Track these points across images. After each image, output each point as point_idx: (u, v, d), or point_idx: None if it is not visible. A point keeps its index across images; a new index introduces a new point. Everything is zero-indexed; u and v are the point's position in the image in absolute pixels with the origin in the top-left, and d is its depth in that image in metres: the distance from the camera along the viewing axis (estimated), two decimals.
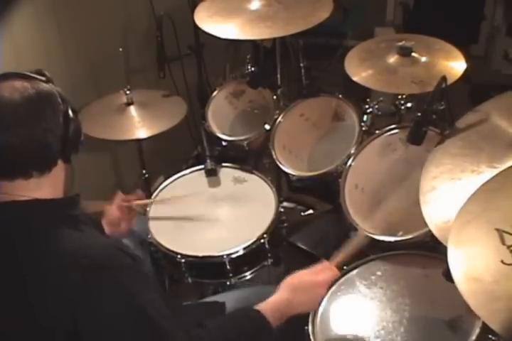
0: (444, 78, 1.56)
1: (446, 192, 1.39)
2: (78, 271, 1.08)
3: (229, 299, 1.63)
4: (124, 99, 2.18)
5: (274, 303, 1.35)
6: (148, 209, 1.93)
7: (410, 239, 1.60)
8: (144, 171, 2.36)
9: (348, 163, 1.85)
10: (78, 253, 1.10)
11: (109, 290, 1.09)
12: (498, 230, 1.04)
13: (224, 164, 2.09)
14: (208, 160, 2.07)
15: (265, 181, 1.99)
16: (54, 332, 1.10)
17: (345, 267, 1.57)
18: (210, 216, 1.89)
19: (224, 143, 2.20)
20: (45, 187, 1.17)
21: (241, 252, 1.75)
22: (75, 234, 1.15)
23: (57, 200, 1.20)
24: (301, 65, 2.55)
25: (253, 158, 2.30)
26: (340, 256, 1.48)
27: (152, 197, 2.01)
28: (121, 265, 1.13)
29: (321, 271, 1.42)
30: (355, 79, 1.89)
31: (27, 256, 1.12)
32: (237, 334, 1.29)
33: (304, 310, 1.41)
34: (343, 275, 1.57)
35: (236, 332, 1.29)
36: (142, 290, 1.13)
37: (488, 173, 1.33)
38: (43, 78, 1.18)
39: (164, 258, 1.85)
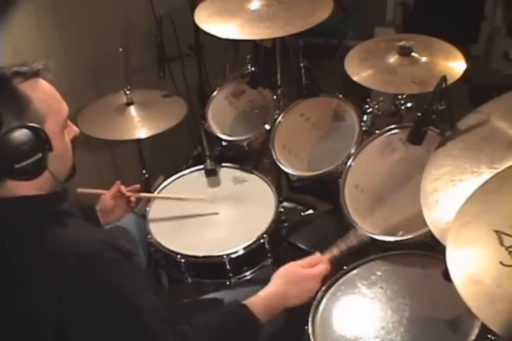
0: (444, 78, 1.55)
1: (448, 194, 1.38)
2: (63, 267, 1.07)
3: (228, 296, 1.62)
4: (124, 99, 2.18)
5: (265, 297, 1.34)
6: (148, 209, 1.94)
7: (410, 239, 1.60)
8: (144, 171, 2.36)
9: (348, 163, 1.84)
10: (63, 249, 1.09)
11: (93, 287, 1.09)
12: (496, 232, 1.04)
13: (224, 164, 2.09)
14: (208, 160, 2.07)
15: (265, 181, 1.99)
16: (44, 329, 1.10)
17: (345, 267, 1.58)
18: (210, 216, 1.89)
19: (224, 143, 2.20)
20: (28, 185, 1.15)
21: (241, 252, 1.75)
22: (61, 229, 1.15)
23: (42, 196, 1.18)
24: (301, 64, 2.54)
25: (253, 158, 2.30)
26: (334, 250, 1.50)
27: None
28: (108, 261, 1.11)
29: (314, 264, 1.44)
30: (355, 79, 1.89)
31: (16, 254, 1.13)
32: (221, 330, 1.28)
33: (296, 303, 1.39)
34: (343, 275, 1.57)
35: (221, 327, 1.28)
36: (130, 287, 1.12)
37: (488, 174, 1.33)
38: None
39: (164, 259, 1.85)
